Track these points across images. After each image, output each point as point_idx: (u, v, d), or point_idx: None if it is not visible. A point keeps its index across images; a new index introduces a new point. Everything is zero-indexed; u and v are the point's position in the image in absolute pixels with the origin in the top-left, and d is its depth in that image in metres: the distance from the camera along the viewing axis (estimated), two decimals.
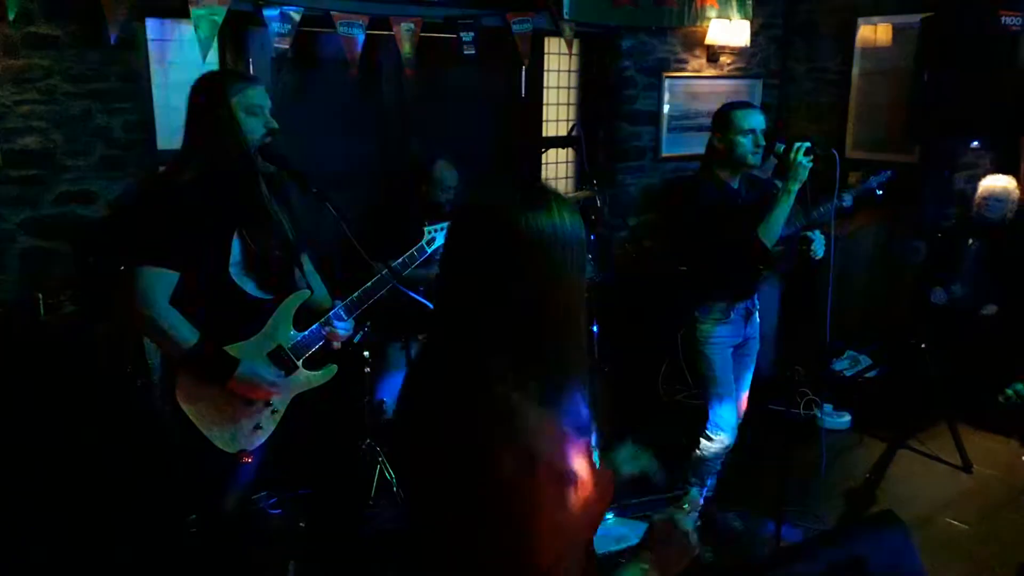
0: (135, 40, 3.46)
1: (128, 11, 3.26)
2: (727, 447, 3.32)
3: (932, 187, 5.12)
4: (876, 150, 5.28)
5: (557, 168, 5.16)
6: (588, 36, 4.85)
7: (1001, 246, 4.67)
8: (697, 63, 5.26)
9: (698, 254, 3.20)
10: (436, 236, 2.73)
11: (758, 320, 3.39)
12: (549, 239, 1.21)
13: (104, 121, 3.44)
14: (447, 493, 1.22)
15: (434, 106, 4.43)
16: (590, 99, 5.10)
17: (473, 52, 4.16)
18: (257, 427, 2.37)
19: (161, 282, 2.17)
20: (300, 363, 2.44)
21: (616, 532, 3.14)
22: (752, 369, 3.44)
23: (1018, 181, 4.78)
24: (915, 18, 4.70)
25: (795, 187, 2.98)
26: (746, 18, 5.17)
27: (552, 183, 5.11)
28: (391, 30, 3.91)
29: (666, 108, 5.17)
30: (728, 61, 5.39)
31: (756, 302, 3.35)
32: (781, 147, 3.03)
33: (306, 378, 2.47)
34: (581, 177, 4.97)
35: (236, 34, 3.78)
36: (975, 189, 4.83)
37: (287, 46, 3.63)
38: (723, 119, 3.10)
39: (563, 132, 5.01)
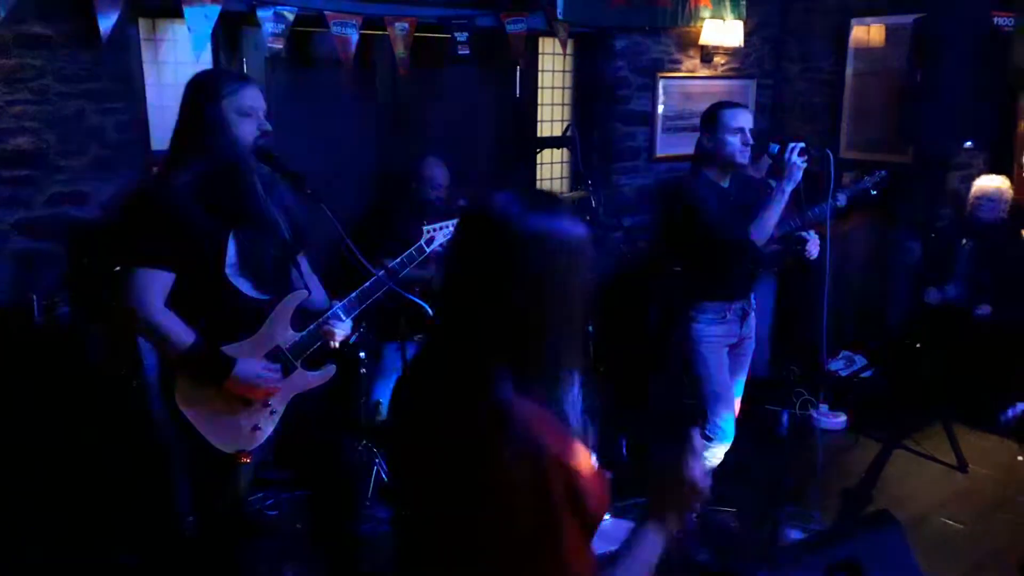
0: (128, 40, 3.45)
1: (121, 11, 3.25)
2: (725, 447, 3.32)
3: (926, 187, 5.13)
4: (870, 150, 5.29)
5: (552, 168, 5.15)
6: (582, 36, 4.85)
7: (995, 246, 4.68)
8: (691, 63, 5.26)
9: (692, 254, 3.20)
10: (435, 235, 2.72)
11: (754, 320, 3.39)
12: (552, 243, 1.22)
13: (97, 121, 3.41)
14: (446, 493, 1.22)
15: (428, 107, 4.43)
16: (584, 99, 5.10)
17: (467, 52, 4.15)
18: (256, 428, 2.36)
19: (156, 283, 2.16)
20: (299, 363, 2.43)
21: (616, 532, 3.13)
22: (747, 369, 3.44)
23: (1011, 181, 4.79)
24: (908, 19, 4.70)
25: (788, 187, 2.99)
26: (740, 18, 5.17)
27: (547, 184, 5.11)
28: (385, 30, 3.91)
29: (660, 108, 5.17)
30: (722, 61, 5.40)
31: (752, 302, 3.36)
32: (775, 147, 3.04)
33: (305, 378, 2.46)
34: (576, 177, 4.97)
35: (230, 34, 3.77)
36: (969, 189, 4.84)
37: (281, 46, 3.62)
38: (711, 118, 3.11)
39: (557, 132, 5.00)
